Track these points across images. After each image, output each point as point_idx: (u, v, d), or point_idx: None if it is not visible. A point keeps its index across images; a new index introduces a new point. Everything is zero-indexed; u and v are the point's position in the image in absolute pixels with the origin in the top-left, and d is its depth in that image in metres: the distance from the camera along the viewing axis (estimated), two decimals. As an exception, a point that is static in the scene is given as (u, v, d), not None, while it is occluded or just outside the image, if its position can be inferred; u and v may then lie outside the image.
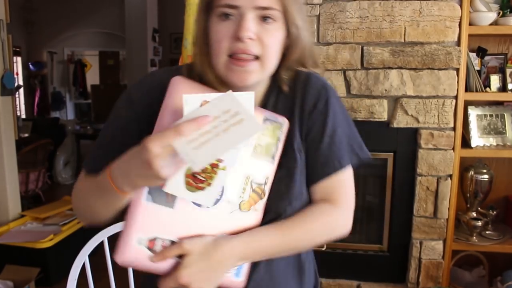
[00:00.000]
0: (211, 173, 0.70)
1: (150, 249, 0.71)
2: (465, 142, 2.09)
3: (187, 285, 0.71)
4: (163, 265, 0.72)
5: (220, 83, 0.78)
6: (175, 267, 0.72)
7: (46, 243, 2.57)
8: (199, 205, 0.73)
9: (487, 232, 2.15)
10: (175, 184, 0.68)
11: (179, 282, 0.70)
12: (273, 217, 0.79)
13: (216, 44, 0.75)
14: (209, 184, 0.70)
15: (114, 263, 1.36)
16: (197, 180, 0.70)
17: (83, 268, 1.31)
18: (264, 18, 0.74)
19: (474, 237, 2.09)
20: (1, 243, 2.58)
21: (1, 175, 2.80)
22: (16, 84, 3.17)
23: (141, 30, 5.25)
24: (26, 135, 5.09)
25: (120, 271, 1.47)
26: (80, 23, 7.05)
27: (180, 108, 0.66)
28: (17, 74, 6.71)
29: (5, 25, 2.77)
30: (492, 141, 2.12)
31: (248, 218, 0.77)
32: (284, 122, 0.79)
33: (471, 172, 2.10)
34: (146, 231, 0.71)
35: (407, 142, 2.06)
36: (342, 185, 0.85)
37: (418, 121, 2.00)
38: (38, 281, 2.53)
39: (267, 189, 0.78)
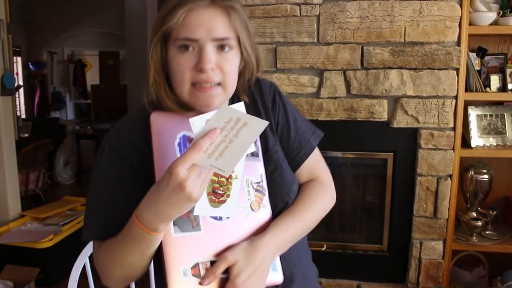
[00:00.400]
0: (227, 185, 0.77)
1: (195, 276, 0.76)
2: (465, 142, 2.09)
3: None
4: (216, 285, 0.76)
5: (180, 108, 0.83)
6: (225, 283, 0.76)
7: (46, 243, 2.57)
8: (220, 218, 0.79)
9: (487, 232, 2.15)
10: (201, 205, 0.74)
11: None
12: (282, 206, 0.87)
13: (179, 75, 0.79)
14: (228, 196, 0.76)
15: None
16: (218, 195, 0.76)
17: (83, 268, 1.31)
18: (221, 47, 0.79)
19: (474, 237, 2.09)
20: (1, 243, 2.58)
21: (1, 175, 2.80)
22: (16, 84, 3.17)
23: (141, 30, 5.24)
24: (26, 135, 5.09)
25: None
26: (80, 23, 7.05)
27: (169, 141, 0.78)
28: (17, 74, 6.71)
29: (5, 25, 2.78)
30: (492, 141, 2.12)
31: (262, 215, 0.83)
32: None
33: (471, 172, 2.10)
34: (187, 261, 0.76)
35: (407, 142, 2.06)
36: (318, 162, 0.98)
37: (418, 121, 2.01)
38: (38, 281, 2.53)
39: (265, 185, 0.85)
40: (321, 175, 0.97)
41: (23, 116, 6.90)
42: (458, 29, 1.93)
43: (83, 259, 1.30)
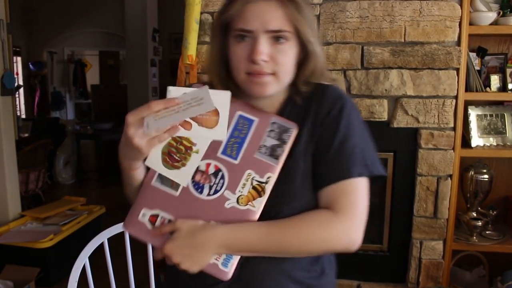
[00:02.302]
0: (185, 155, 0.82)
1: (151, 223, 0.82)
2: (465, 142, 2.09)
3: (169, 256, 0.78)
4: (159, 241, 0.81)
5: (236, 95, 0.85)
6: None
7: (46, 243, 2.57)
8: (199, 191, 0.82)
9: (487, 232, 2.15)
10: (154, 159, 0.82)
11: (163, 252, 0.79)
12: (271, 215, 0.81)
13: (235, 64, 0.83)
14: (183, 165, 0.82)
15: (114, 264, 1.36)
16: (172, 159, 0.82)
17: (83, 268, 1.31)
18: (276, 39, 0.80)
19: (474, 237, 2.09)
20: (1, 243, 2.58)
21: (1, 175, 2.80)
22: (16, 84, 3.17)
23: (141, 30, 5.24)
24: (26, 135, 5.09)
25: (120, 272, 1.47)
26: (80, 23, 7.05)
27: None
28: (17, 74, 6.71)
29: (5, 25, 2.78)
30: (492, 141, 2.12)
31: (243, 213, 0.80)
32: (292, 127, 0.84)
33: (471, 172, 2.10)
34: (151, 207, 0.83)
35: (407, 142, 2.06)
36: (348, 195, 0.82)
37: (418, 121, 2.00)
38: (38, 281, 2.53)
39: (268, 188, 0.81)
40: (341, 209, 0.81)
41: (23, 116, 6.91)
42: (458, 29, 1.93)
43: (83, 260, 1.30)
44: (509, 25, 1.97)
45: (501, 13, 1.99)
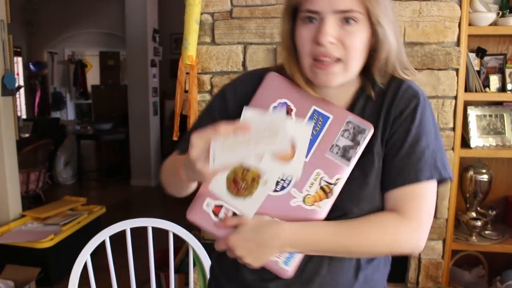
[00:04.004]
0: (252, 184, 0.77)
1: (215, 214, 0.80)
2: (465, 142, 2.10)
3: (233, 249, 0.77)
4: (222, 232, 0.80)
5: (308, 84, 0.81)
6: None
7: (46, 243, 2.58)
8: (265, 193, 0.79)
9: (486, 232, 2.15)
10: (218, 184, 0.78)
11: (227, 243, 0.78)
12: (338, 215, 0.79)
13: (301, 48, 0.78)
14: (250, 194, 0.78)
15: (115, 262, 1.37)
16: (238, 186, 0.78)
17: (84, 268, 1.31)
18: (346, 20, 0.74)
19: (474, 237, 2.10)
20: (2, 243, 2.58)
21: (2, 175, 2.81)
22: (16, 85, 3.18)
23: (141, 30, 5.25)
24: (27, 135, 5.10)
25: (121, 272, 1.48)
26: (80, 23, 7.06)
27: (268, 100, 0.80)
28: (17, 74, 6.71)
29: (6, 26, 2.78)
30: (491, 141, 2.12)
31: (309, 213, 0.78)
32: (368, 129, 0.79)
33: (471, 172, 2.10)
34: (215, 198, 0.80)
35: (406, 142, 2.06)
36: (417, 198, 0.80)
37: (418, 121, 2.01)
38: (39, 281, 2.53)
39: (336, 189, 0.78)
40: (408, 213, 0.79)
41: (24, 116, 6.91)
42: (457, 29, 1.94)
43: (84, 257, 1.31)
44: (508, 25, 1.97)
45: (501, 13, 1.99)
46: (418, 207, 0.80)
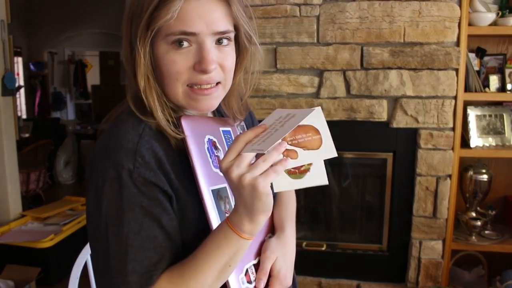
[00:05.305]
0: (304, 168, 0.70)
1: (248, 282, 0.79)
2: (465, 142, 2.10)
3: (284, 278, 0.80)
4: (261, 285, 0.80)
5: (174, 110, 0.75)
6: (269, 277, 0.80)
7: (46, 243, 2.58)
8: None
9: (486, 232, 2.15)
10: (282, 181, 0.69)
11: (284, 283, 0.80)
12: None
13: (173, 75, 0.70)
14: (309, 169, 0.70)
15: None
16: (297, 168, 0.69)
17: (84, 267, 1.31)
18: (219, 41, 0.71)
19: (473, 237, 2.10)
20: (2, 243, 2.58)
21: (2, 175, 2.81)
22: (17, 85, 3.18)
23: (141, 30, 5.25)
24: (27, 135, 5.11)
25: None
26: (80, 23, 7.06)
27: (202, 147, 0.74)
28: (18, 74, 6.71)
29: (6, 26, 2.78)
30: (491, 141, 2.12)
31: None
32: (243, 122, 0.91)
33: (470, 172, 2.11)
34: (241, 268, 0.78)
35: (406, 142, 2.06)
36: None
37: (418, 121, 2.01)
38: (39, 281, 2.53)
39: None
40: None
41: (24, 116, 6.91)
42: (457, 29, 1.94)
43: (84, 257, 1.31)
44: (508, 25, 1.98)
45: (500, 13, 2.00)
46: None
